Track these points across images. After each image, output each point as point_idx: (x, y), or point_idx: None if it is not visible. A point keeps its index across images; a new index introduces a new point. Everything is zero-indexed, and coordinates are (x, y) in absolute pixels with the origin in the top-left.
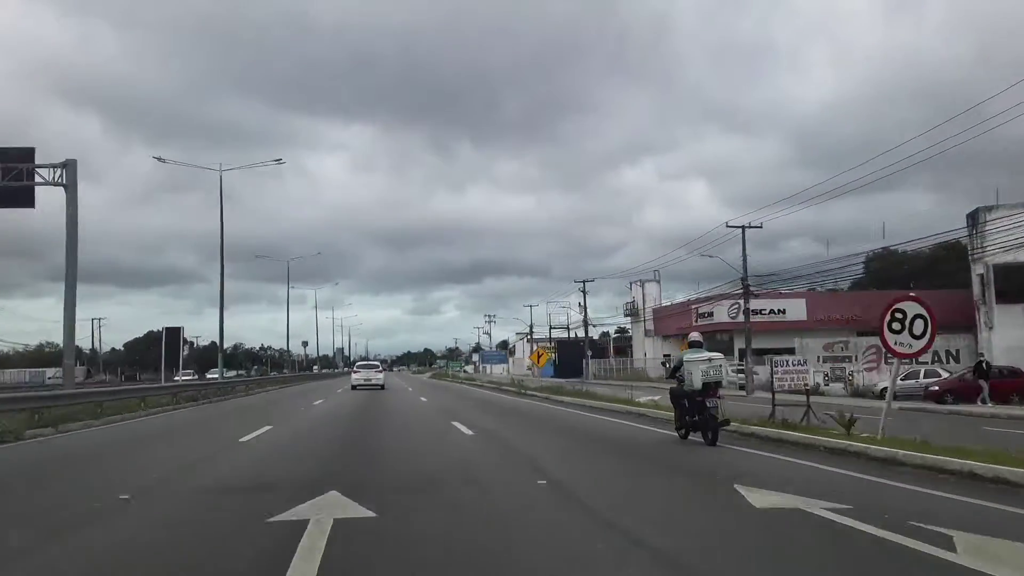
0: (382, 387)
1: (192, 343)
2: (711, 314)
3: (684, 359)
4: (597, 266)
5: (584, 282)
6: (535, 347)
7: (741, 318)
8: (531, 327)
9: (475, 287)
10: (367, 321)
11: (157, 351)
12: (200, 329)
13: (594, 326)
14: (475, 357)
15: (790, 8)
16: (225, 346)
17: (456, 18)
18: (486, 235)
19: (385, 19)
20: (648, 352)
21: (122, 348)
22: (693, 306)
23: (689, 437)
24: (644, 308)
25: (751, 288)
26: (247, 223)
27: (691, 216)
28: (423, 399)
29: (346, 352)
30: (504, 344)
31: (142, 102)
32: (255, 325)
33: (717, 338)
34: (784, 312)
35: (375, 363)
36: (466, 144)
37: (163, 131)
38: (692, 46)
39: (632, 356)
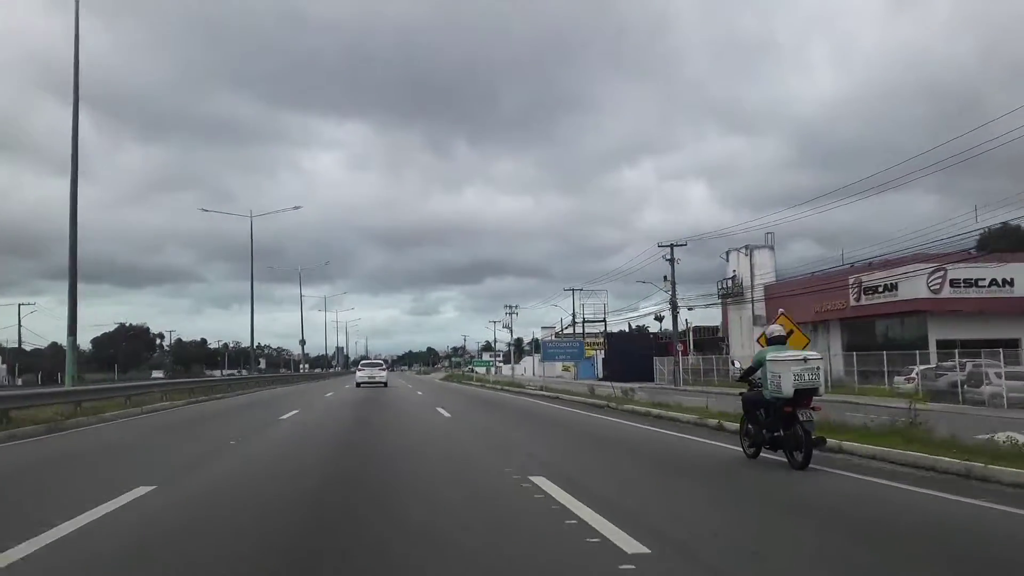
0: (385, 384)
1: (162, 336)
2: (893, 287)
3: (766, 358)
4: (597, 267)
5: (672, 246)
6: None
7: (948, 291)
8: (573, 316)
9: (474, 287)
10: (365, 320)
11: (128, 346)
12: (200, 329)
13: (684, 308)
14: (486, 355)
15: (791, 5)
16: (218, 344)
17: (453, 15)
18: (484, 235)
19: (381, 15)
20: (756, 347)
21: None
22: (854, 277)
23: (760, 455)
24: (753, 285)
25: None
26: (243, 222)
27: (691, 216)
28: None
29: (346, 352)
30: (519, 342)
31: (133, 97)
32: (257, 325)
33: (905, 321)
34: (1012, 283)
35: (379, 362)
36: (463, 143)
37: (155, 127)
38: (692, 43)
39: (729, 354)
